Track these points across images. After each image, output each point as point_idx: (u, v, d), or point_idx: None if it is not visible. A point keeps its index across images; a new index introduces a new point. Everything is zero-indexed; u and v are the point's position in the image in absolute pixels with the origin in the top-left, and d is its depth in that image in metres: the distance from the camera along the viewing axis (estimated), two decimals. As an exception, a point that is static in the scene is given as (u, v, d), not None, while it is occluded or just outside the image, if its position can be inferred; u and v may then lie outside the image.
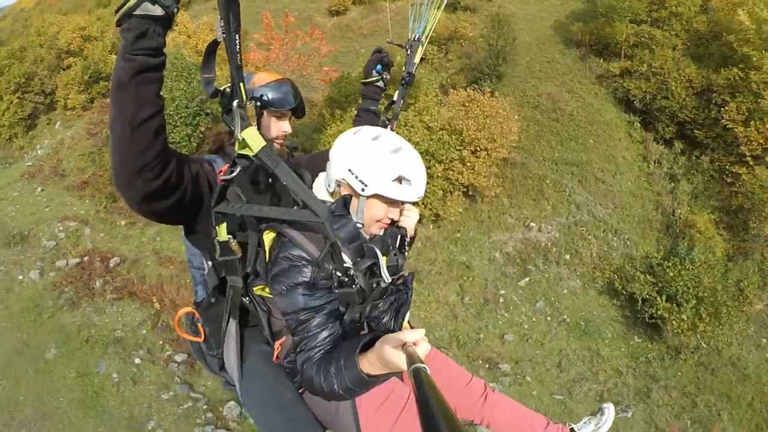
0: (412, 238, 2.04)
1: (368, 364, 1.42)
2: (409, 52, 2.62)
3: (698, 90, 17.45)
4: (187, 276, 11.68)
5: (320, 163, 1.95)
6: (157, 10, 1.38)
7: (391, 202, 1.75)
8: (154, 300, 10.12)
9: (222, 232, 1.81)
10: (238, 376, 2.01)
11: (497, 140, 15.30)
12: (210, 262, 2.01)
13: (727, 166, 16.84)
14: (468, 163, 15.29)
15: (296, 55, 17.01)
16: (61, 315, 9.62)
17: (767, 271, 16.48)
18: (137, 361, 8.84)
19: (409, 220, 2.00)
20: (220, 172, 1.76)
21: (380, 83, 2.71)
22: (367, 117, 2.73)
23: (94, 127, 18.24)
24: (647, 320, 14.25)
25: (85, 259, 11.61)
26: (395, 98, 2.65)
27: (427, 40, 2.62)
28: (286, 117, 2.17)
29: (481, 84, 18.18)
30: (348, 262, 1.67)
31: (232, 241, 1.84)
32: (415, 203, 1.98)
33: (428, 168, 10.01)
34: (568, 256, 15.33)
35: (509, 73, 18.84)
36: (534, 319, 14.13)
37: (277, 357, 1.91)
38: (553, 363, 12.82)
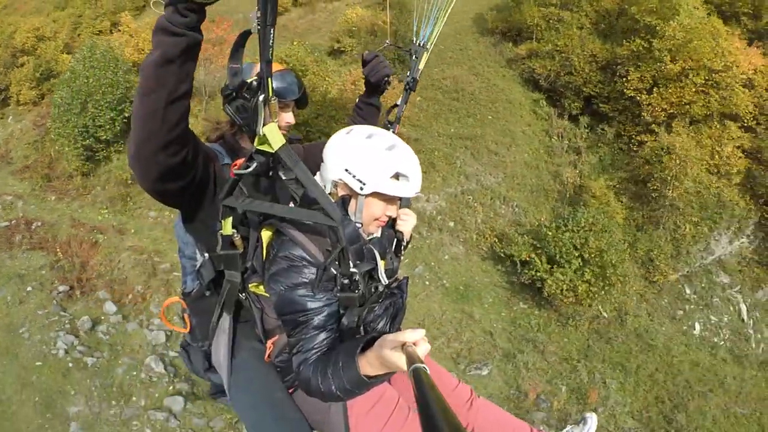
0: (408, 242, 2.05)
1: (367, 364, 1.42)
2: (414, 58, 2.58)
3: (602, 64, 17.30)
4: (92, 235, 13.34)
5: (318, 154, 1.88)
6: None
7: (389, 200, 1.75)
8: (58, 250, 12.18)
9: (227, 226, 1.80)
10: (227, 372, 1.99)
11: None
12: (206, 254, 1.96)
13: (634, 136, 16.37)
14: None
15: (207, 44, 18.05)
16: None
17: (681, 240, 15.56)
18: (29, 289, 10.71)
19: (407, 223, 2.01)
20: (235, 165, 1.73)
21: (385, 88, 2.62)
22: (368, 110, 2.65)
23: (41, 119, 19.76)
24: (526, 283, 13.66)
25: (13, 222, 13.52)
26: (399, 102, 2.60)
27: (432, 46, 2.59)
28: (289, 107, 2.13)
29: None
30: (353, 266, 1.64)
31: (236, 235, 1.81)
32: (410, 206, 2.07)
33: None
34: (452, 224, 15.03)
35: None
36: (411, 283, 13.77)
37: (269, 356, 1.89)
38: (414, 320, 12.41)
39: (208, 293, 2.00)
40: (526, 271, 13.56)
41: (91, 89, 16.36)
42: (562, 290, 12.98)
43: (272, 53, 1.50)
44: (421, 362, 1.10)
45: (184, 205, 1.89)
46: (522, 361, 12.05)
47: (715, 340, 14.98)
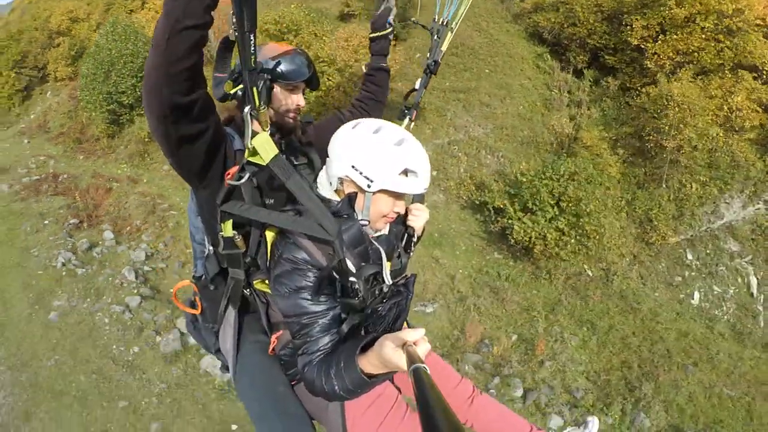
0: (419, 237, 2.02)
1: (368, 364, 1.43)
2: (436, 37, 2.44)
3: (608, 14, 16.11)
4: (109, 183, 15.21)
5: (328, 135, 1.82)
6: None
7: (398, 196, 1.70)
8: (77, 195, 14.23)
9: (227, 229, 1.78)
10: (233, 362, 2.04)
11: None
12: (211, 247, 1.96)
13: (639, 88, 15.18)
14: (347, 90, 15.54)
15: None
16: (13, 204, 13.80)
17: (685, 201, 14.29)
18: (46, 222, 12.85)
19: (419, 219, 1.96)
20: (228, 174, 1.70)
21: (390, 36, 2.50)
22: (380, 75, 2.54)
23: (75, 92, 21.50)
24: (498, 231, 13.05)
25: (43, 176, 15.61)
26: (417, 86, 2.51)
27: (458, 26, 2.43)
28: (299, 89, 2.02)
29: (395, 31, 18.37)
30: (352, 270, 1.63)
31: (237, 237, 1.80)
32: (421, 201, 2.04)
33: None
34: (435, 173, 14.61)
35: (422, 19, 18.75)
36: (383, 230, 13.61)
37: (273, 350, 1.94)
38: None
39: (212, 287, 2.01)
40: (499, 219, 12.97)
41: (114, 59, 17.79)
42: (530, 238, 12.29)
43: (255, 60, 1.47)
44: (422, 362, 1.12)
45: (191, 166, 1.75)
46: (474, 304, 11.52)
47: (716, 312, 13.62)
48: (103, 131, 18.76)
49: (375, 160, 1.61)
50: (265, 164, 1.60)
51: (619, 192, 14.56)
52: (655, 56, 14.71)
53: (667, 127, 13.31)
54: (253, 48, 1.42)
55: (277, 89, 1.93)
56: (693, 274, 14.09)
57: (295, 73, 1.93)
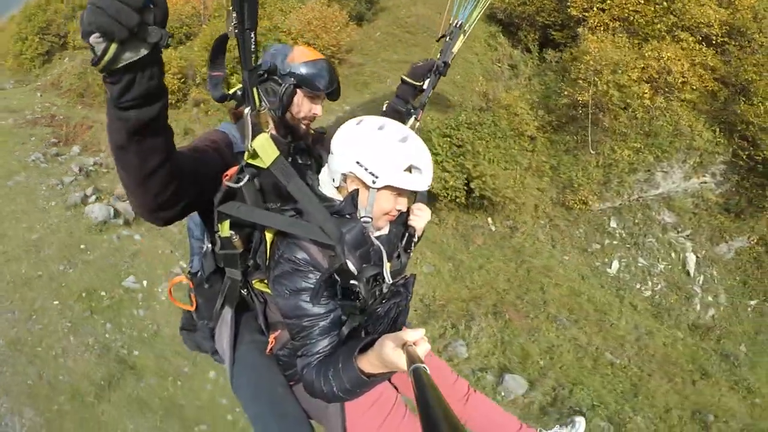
0: (419, 237, 2.00)
1: (368, 364, 1.40)
2: (448, 39, 2.45)
3: (558, -9, 16.05)
4: (92, 122, 17.25)
5: None
6: (142, 51, 1.09)
7: (401, 193, 1.67)
8: (63, 127, 16.96)
9: (225, 229, 1.70)
10: (229, 362, 1.98)
11: (324, 37, 16.56)
12: (209, 245, 1.91)
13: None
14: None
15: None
16: (12, 129, 16.28)
17: (613, 166, 13.26)
18: (32, 139, 15.51)
19: (420, 219, 1.95)
20: (226, 175, 1.60)
21: (420, 93, 2.51)
22: (394, 117, 2.34)
23: (87, 59, 24.66)
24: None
25: (42, 116, 18.10)
26: (425, 86, 2.46)
27: (471, 29, 2.43)
28: (319, 99, 1.97)
29: (361, 13, 19.29)
30: (354, 272, 1.57)
31: (234, 237, 1.72)
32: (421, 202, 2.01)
33: None
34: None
35: (390, 5, 19.78)
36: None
37: (271, 350, 1.90)
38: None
39: (207, 285, 1.97)
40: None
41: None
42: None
43: (255, 59, 1.42)
44: (422, 362, 1.12)
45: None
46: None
47: (637, 285, 12.22)
48: (101, 87, 21.07)
49: (380, 156, 1.58)
50: (266, 167, 1.55)
51: (545, 157, 13.87)
52: (594, 21, 14.30)
53: (581, 80, 12.70)
54: (253, 47, 1.36)
55: (299, 95, 1.88)
56: (615, 242, 12.82)
57: (319, 83, 1.89)
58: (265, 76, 1.80)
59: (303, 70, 1.85)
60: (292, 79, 1.82)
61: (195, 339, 2.18)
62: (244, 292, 1.89)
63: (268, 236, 1.68)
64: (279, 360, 1.89)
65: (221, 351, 2.03)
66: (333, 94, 1.98)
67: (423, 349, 1.28)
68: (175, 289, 2.16)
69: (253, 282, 1.83)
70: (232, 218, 1.66)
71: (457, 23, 2.38)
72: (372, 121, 1.68)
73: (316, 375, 1.52)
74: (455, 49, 2.34)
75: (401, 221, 1.91)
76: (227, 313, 1.96)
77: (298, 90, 1.86)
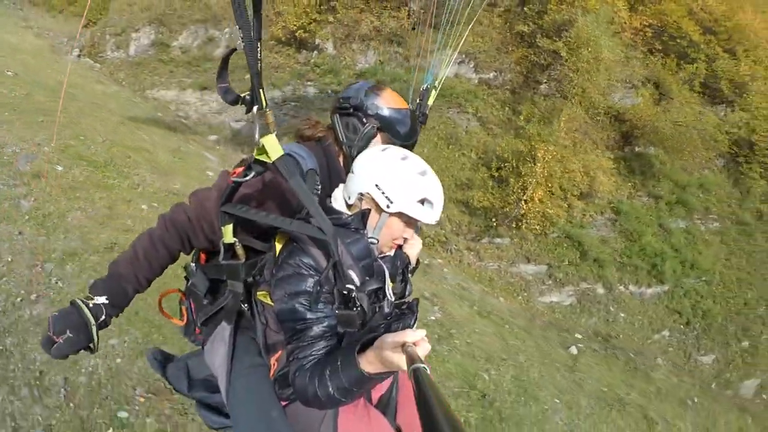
0: (415, 268, 2.06)
1: (367, 363, 1.38)
2: (421, 99, 2.56)
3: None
4: None
5: None
6: (81, 342, 1.52)
7: (409, 222, 1.73)
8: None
9: (228, 234, 1.72)
10: (224, 383, 1.89)
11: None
12: (193, 264, 1.95)
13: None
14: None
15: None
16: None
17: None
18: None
19: (414, 248, 2.00)
20: (234, 173, 1.68)
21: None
22: None
23: None
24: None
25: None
26: None
27: (440, 85, 2.65)
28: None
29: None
30: (351, 281, 1.58)
31: (237, 244, 1.74)
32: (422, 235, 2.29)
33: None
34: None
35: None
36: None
37: (273, 374, 1.80)
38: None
39: (205, 302, 1.94)
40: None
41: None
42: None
43: (261, 66, 1.51)
44: (422, 362, 1.12)
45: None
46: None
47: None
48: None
49: (399, 184, 1.65)
50: (271, 161, 1.58)
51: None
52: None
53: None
54: (259, 55, 1.46)
55: (378, 137, 1.90)
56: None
57: (401, 134, 1.92)
58: (351, 110, 1.85)
59: (389, 114, 1.88)
60: (377, 121, 1.86)
61: (171, 376, 2.11)
62: (244, 306, 1.84)
63: (278, 245, 1.68)
64: (275, 379, 1.79)
65: (213, 369, 1.93)
66: (410, 147, 1.95)
67: (423, 349, 1.27)
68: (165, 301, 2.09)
69: (258, 294, 1.76)
70: (233, 217, 1.68)
71: (425, 86, 2.48)
72: (397, 150, 1.74)
73: (309, 378, 1.48)
74: (430, 102, 2.44)
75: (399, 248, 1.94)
76: (225, 330, 1.88)
77: (379, 132, 1.88)
